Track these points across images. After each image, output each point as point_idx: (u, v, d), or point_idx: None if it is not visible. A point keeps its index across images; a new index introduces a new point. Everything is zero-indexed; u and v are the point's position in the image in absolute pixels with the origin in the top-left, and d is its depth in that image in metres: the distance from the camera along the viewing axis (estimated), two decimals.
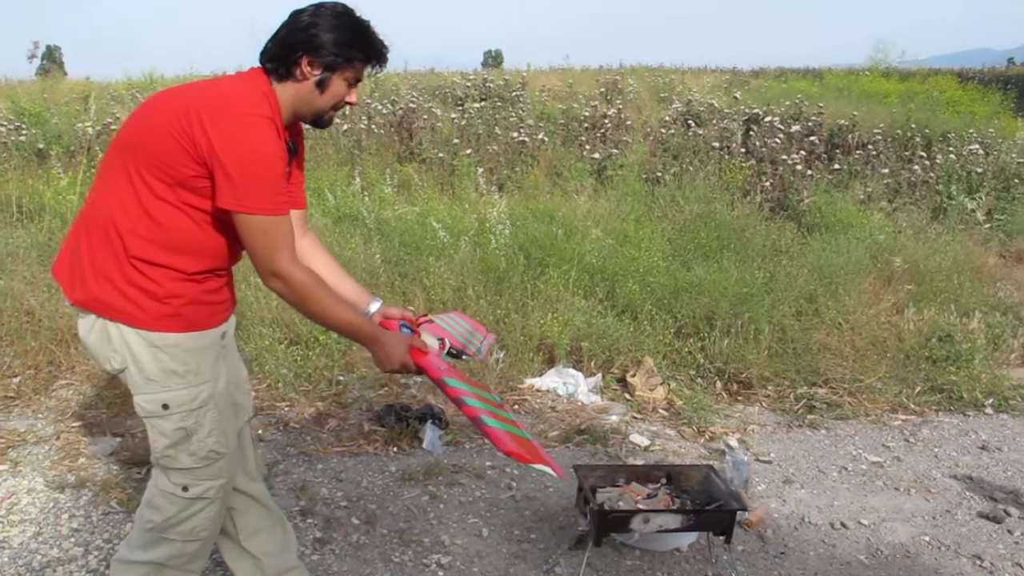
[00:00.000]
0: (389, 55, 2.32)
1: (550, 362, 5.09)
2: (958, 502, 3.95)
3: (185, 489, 2.34)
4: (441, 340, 2.51)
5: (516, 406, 4.67)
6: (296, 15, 2.23)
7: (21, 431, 4.14)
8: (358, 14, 2.26)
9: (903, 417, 4.88)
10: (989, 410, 5.04)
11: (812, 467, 4.23)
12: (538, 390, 4.84)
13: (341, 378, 4.79)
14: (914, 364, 5.35)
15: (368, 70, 2.31)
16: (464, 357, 2.59)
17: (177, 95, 2.20)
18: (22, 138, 9.14)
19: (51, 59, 30.31)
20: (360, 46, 2.25)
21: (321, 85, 2.24)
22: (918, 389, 5.13)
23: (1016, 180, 9.78)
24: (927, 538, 3.60)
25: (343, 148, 9.33)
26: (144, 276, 2.17)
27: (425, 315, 2.62)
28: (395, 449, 4.15)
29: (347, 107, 2.39)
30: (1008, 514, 3.80)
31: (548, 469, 2.19)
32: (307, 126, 2.43)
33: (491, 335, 2.82)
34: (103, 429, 4.16)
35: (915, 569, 3.37)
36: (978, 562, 3.44)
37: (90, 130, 9.23)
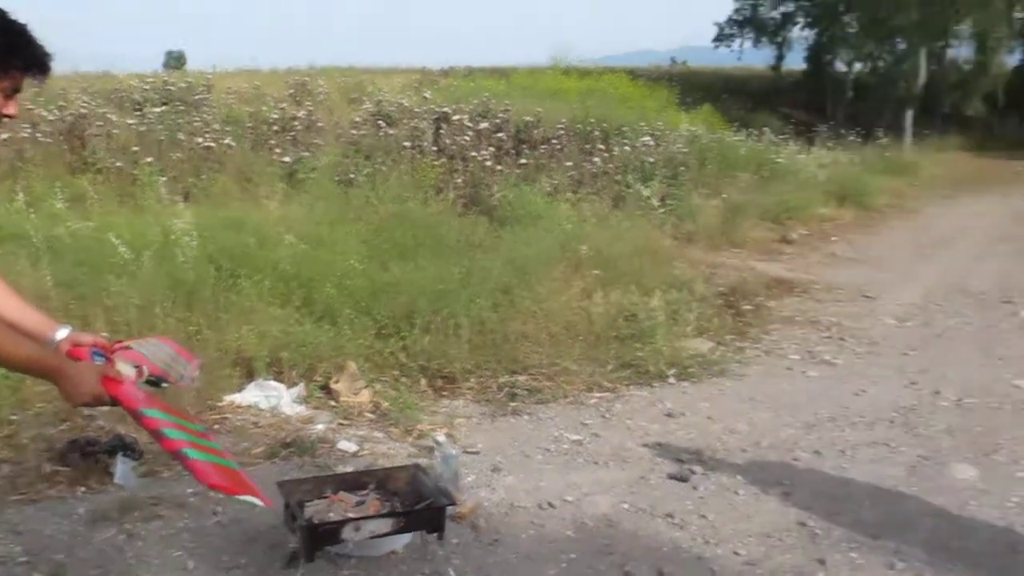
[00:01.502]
0: (52, 62, 2.08)
1: (249, 376, 4.89)
2: (650, 468, 4.24)
3: None
4: (138, 367, 2.30)
5: (216, 425, 4.44)
6: None
7: None
8: (13, 17, 2.01)
9: (598, 395, 5.18)
10: (672, 380, 5.46)
11: (518, 453, 4.37)
12: (239, 406, 4.63)
13: (14, 417, 4.32)
14: (604, 344, 5.69)
15: (28, 80, 2.06)
16: (165, 384, 2.40)
17: None
18: None
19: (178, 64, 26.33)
20: (16, 53, 2.00)
21: None
22: (610, 367, 5.46)
23: (682, 168, 10.72)
24: (626, 505, 3.84)
25: (3, 160, 8.44)
26: None
27: (121, 341, 2.40)
28: (83, 489, 3.80)
29: (5, 120, 2.12)
30: (693, 472, 4.14)
31: (256, 500, 2.09)
32: None
33: (197, 359, 2.64)
34: None
35: (617, 535, 3.58)
36: (670, 519, 3.71)
37: None
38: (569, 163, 10.13)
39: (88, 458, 3.94)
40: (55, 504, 3.68)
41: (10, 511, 3.60)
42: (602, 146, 10.92)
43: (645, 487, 4.03)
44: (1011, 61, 28.01)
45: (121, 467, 3.87)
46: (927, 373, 5.72)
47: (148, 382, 2.35)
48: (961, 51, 27.54)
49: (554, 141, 10.75)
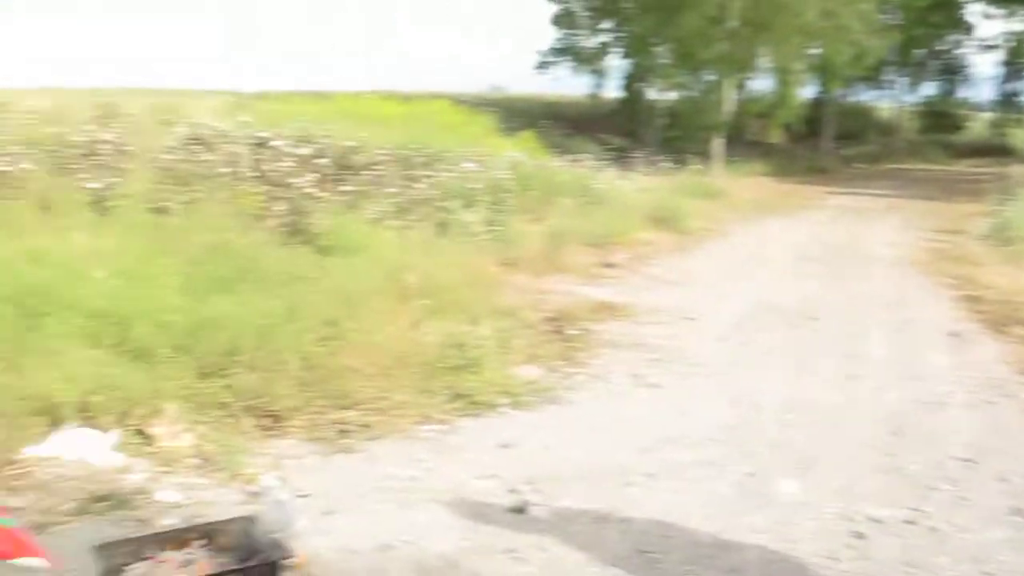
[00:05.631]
0: None
1: (56, 424, 4.49)
2: (488, 501, 4.17)
3: None
4: None
5: (17, 482, 4.05)
6: None
7: None
8: None
9: (431, 428, 5.07)
10: (505, 409, 5.42)
11: (351, 493, 4.21)
12: (43, 459, 4.24)
13: None
14: (436, 375, 5.58)
15: None
16: None
17: None
18: None
19: None
20: None
21: None
22: (442, 398, 5.36)
23: (506, 194, 10.80)
24: (467, 543, 3.76)
25: None
26: None
27: None
28: None
29: None
30: (530, 504, 4.11)
31: (36, 561, 1.87)
32: None
33: None
34: None
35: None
36: (512, 555, 3.66)
37: None
38: (392, 189, 10.02)
39: None
40: None
41: None
42: (425, 172, 10.85)
43: (484, 522, 3.96)
44: (806, 94, 30.09)
45: None
46: (747, 390, 5.94)
47: None
48: (764, 83, 29.30)
49: (377, 167, 10.60)
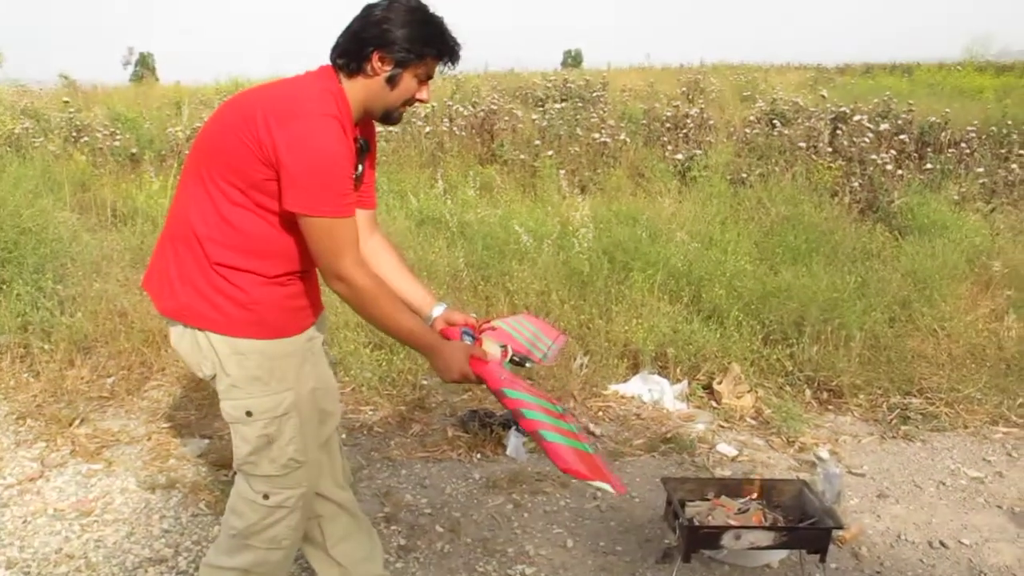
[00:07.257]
0: (462, 53, 2.30)
1: (635, 368, 5.01)
2: None
3: (266, 497, 2.36)
4: (504, 347, 2.45)
5: (600, 412, 4.62)
6: (369, 9, 2.22)
7: (115, 431, 4.25)
8: (431, 10, 2.25)
9: (1004, 430, 4.66)
10: None
11: (907, 481, 4.07)
12: (622, 396, 4.77)
13: (425, 382, 4.80)
14: (1016, 374, 5.08)
15: (440, 67, 2.30)
16: (528, 364, 2.54)
17: (244, 99, 2.22)
18: (116, 143, 9.41)
19: (144, 65, 31.30)
20: (433, 42, 2.23)
21: (392, 81, 2.22)
22: (1020, 400, 4.88)
23: None
24: None
25: (425, 150, 9.37)
26: (228, 283, 2.20)
27: (488, 320, 2.56)
28: (479, 455, 4.13)
29: (420, 105, 2.38)
30: None
31: (608, 487, 2.13)
32: (377, 124, 2.43)
33: (562, 337, 2.75)
34: (192, 430, 4.24)
35: None
36: None
37: (180, 134, 9.48)
38: (980, 169, 9.20)
39: (485, 428, 4.26)
40: (455, 465, 4.04)
41: (418, 466, 4.01)
42: (1022, 151, 9.78)
43: None
44: None
45: (513, 441, 4.16)
46: None
47: (512, 361, 2.48)
48: None
49: (963, 145, 9.82)
